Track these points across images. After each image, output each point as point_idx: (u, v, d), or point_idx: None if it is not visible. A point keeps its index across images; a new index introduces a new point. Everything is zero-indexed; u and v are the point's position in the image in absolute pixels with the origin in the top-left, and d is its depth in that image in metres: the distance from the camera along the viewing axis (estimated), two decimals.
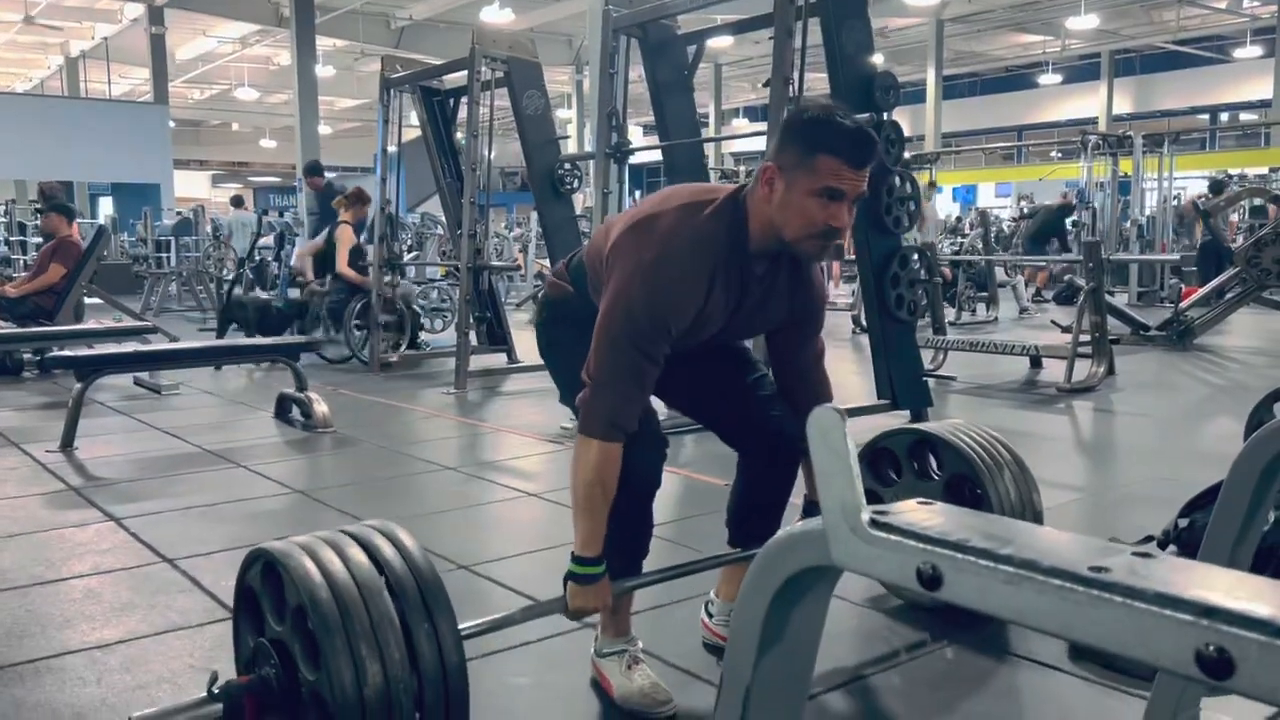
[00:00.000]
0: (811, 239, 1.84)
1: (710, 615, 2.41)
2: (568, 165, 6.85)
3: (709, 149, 17.55)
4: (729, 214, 1.90)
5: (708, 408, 2.35)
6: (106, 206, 23.33)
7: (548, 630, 2.52)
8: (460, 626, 1.71)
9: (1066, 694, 2.18)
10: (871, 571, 1.03)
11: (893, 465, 2.69)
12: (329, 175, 9.06)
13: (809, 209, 1.80)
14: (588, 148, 18.90)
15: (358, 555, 1.62)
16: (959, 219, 20.75)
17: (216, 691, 1.62)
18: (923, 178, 11.00)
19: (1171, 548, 3.05)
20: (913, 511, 1.04)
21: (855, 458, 1.03)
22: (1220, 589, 0.81)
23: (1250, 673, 0.74)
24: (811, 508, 2.26)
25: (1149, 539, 3.15)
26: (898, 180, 4.87)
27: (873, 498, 2.67)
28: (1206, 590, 0.80)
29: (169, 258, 14.49)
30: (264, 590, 1.69)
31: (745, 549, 2.34)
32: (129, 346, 5.49)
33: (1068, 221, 14.16)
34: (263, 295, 9.82)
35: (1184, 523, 3.05)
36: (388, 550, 1.64)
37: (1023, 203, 15.58)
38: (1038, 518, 2.59)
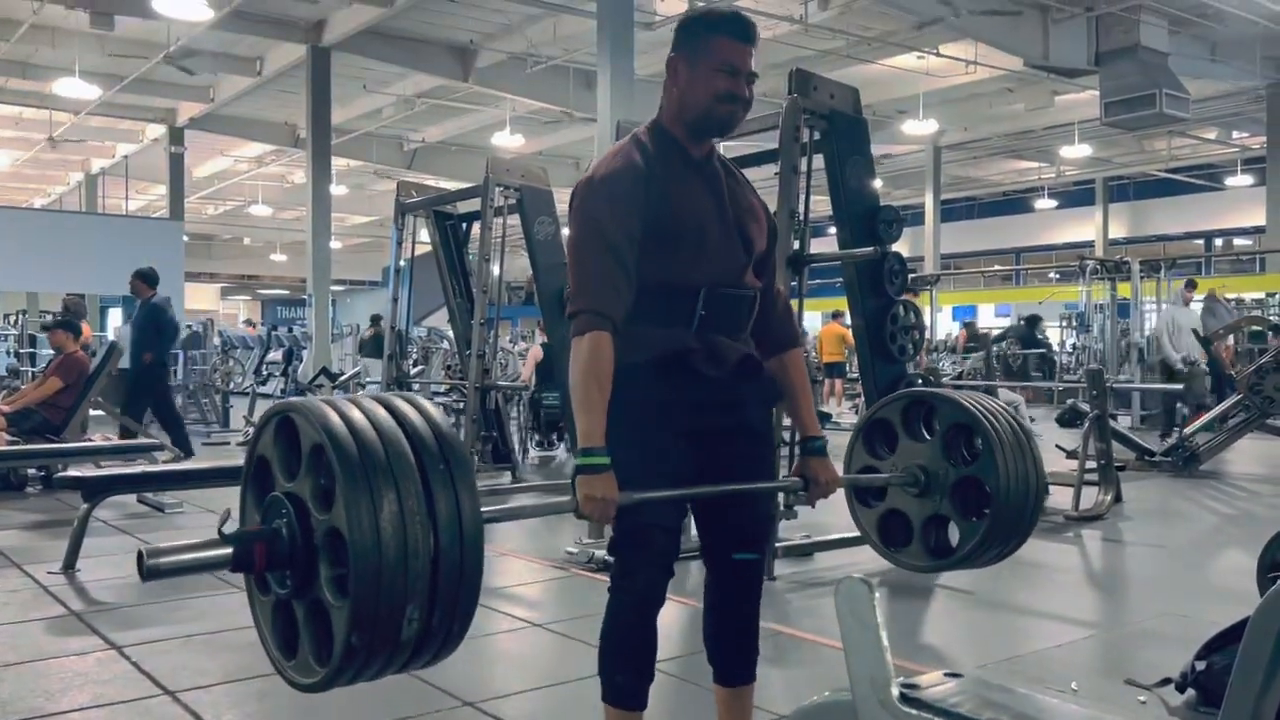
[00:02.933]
0: (719, 103, 2.11)
1: None
2: None
3: None
4: (644, 128, 2.20)
5: (704, 514, 2.33)
6: (115, 318, 23.59)
7: None
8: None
9: None
10: None
11: (886, 436, 2.61)
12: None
13: (714, 80, 2.09)
14: None
15: (377, 408, 1.61)
16: (956, 337, 20.96)
17: (228, 535, 1.56)
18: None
19: (1190, 691, 3.00)
20: (941, 685, 1.05)
21: (884, 630, 1.05)
22: None
23: None
24: (807, 444, 2.30)
25: (1167, 681, 3.09)
26: (901, 309, 4.96)
27: (870, 471, 2.60)
28: None
29: (176, 370, 14.58)
30: (277, 449, 1.65)
31: (732, 685, 2.29)
32: (137, 465, 5.50)
33: (1045, 332, 14.51)
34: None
35: (1201, 665, 3.00)
36: (408, 410, 1.63)
37: (995, 331, 15.88)
38: (1038, 464, 2.50)
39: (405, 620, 1.51)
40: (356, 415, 1.57)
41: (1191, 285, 12.63)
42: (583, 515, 1.95)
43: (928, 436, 2.55)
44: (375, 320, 15.95)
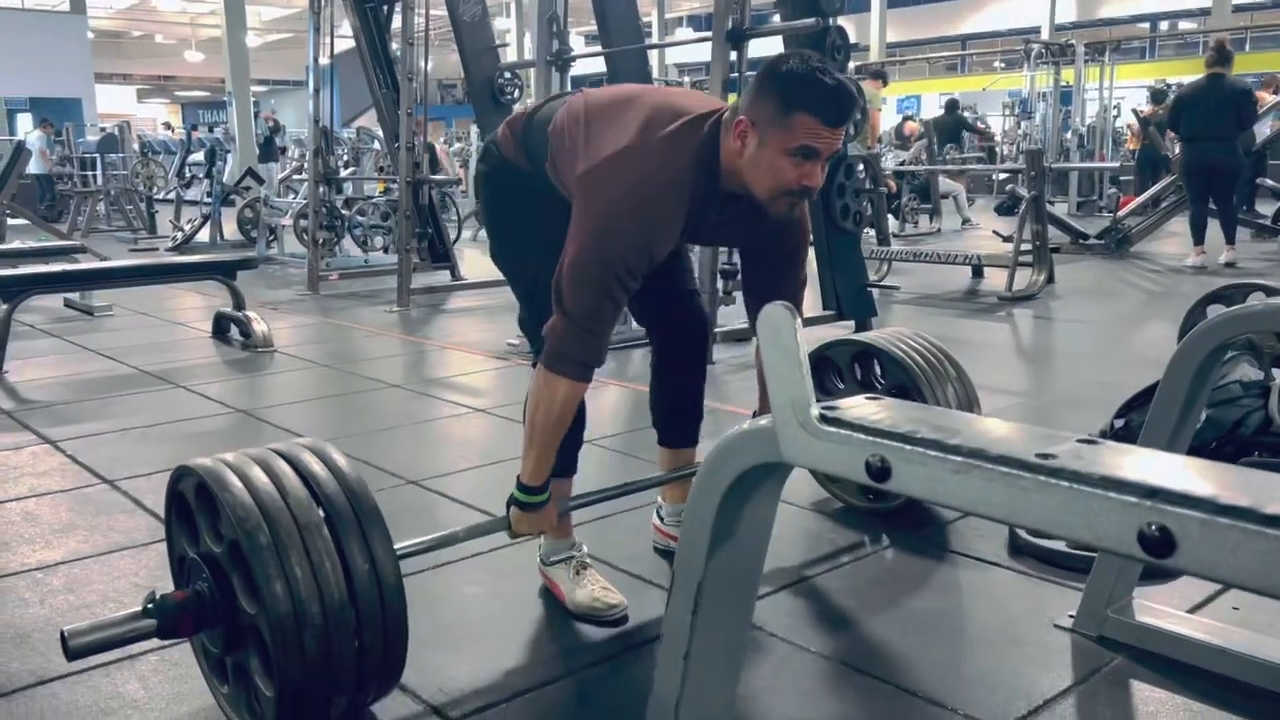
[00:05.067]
0: (783, 198, 1.77)
1: (661, 518, 2.43)
2: (508, 74, 6.68)
3: (653, 58, 17.19)
4: (710, 146, 1.82)
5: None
6: (26, 123, 22.35)
7: (498, 542, 2.53)
8: (402, 545, 1.71)
9: (1005, 587, 2.24)
10: (821, 466, 1.03)
11: (836, 375, 2.70)
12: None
13: (782, 168, 1.72)
14: (528, 57, 18.34)
15: (294, 483, 1.58)
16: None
17: (150, 607, 1.59)
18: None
19: None
20: (861, 406, 1.04)
21: (805, 355, 1.03)
22: (1162, 471, 0.82)
23: (1191, 550, 0.76)
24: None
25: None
26: None
27: None
28: (1149, 473, 0.81)
29: (95, 175, 13.96)
30: (198, 506, 1.66)
31: (675, 447, 2.36)
32: (56, 265, 5.30)
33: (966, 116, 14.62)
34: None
35: (1120, 423, 3.14)
36: (321, 473, 1.61)
37: (922, 124, 15.67)
38: None
39: (331, 706, 1.57)
40: (275, 502, 1.55)
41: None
42: (514, 538, 2.04)
43: (873, 388, 2.62)
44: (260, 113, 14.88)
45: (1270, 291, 3.54)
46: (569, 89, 5.84)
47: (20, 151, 7.60)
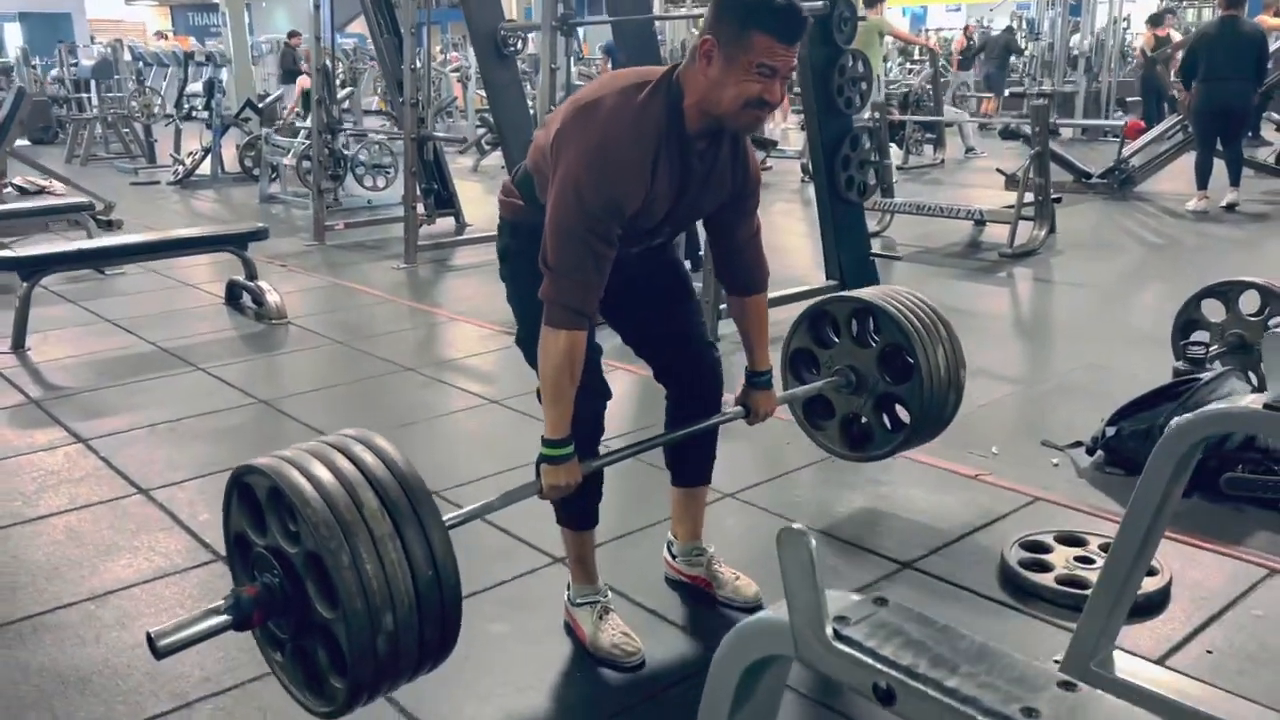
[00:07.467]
0: (745, 111, 1.91)
1: (673, 555, 2.57)
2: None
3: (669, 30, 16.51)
4: (665, 94, 1.95)
5: (641, 336, 2.43)
6: (15, 34, 21.92)
7: (522, 568, 2.68)
8: (444, 518, 1.77)
9: (996, 623, 2.40)
10: (834, 676, 1.16)
11: (833, 328, 2.81)
12: None
13: (743, 83, 1.87)
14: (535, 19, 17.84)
15: (368, 495, 1.67)
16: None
17: (224, 605, 1.72)
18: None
19: (1099, 454, 3.27)
20: (872, 616, 1.16)
21: (820, 574, 1.15)
22: None
23: None
24: (754, 377, 2.39)
25: (1078, 444, 3.36)
26: (850, 59, 4.81)
27: (809, 358, 2.85)
28: None
29: (90, 99, 13.80)
30: (269, 505, 1.74)
31: (688, 487, 2.51)
32: (73, 241, 5.36)
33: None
34: None
35: (1111, 431, 3.26)
36: (384, 476, 1.71)
37: (971, 33, 15.63)
38: (959, 391, 2.75)
39: (392, 687, 1.74)
40: (350, 514, 1.64)
41: None
42: (546, 498, 2.08)
43: (868, 343, 2.74)
44: (291, 35, 14.85)
45: (1265, 292, 3.62)
46: (575, 54, 5.79)
47: (22, 98, 7.54)
